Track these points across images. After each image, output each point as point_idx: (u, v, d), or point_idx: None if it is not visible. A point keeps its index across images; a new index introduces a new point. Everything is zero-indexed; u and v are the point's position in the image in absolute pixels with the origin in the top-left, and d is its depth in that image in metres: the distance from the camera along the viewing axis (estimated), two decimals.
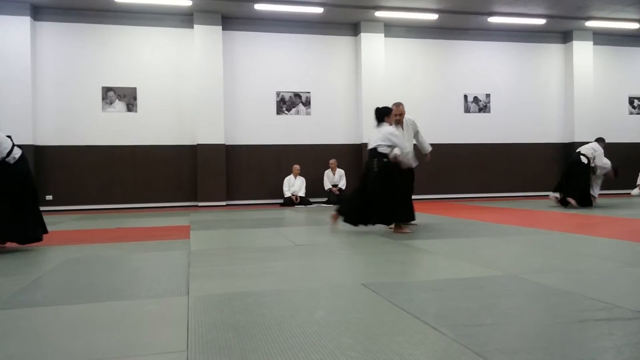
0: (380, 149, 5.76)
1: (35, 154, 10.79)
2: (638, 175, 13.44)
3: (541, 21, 12.73)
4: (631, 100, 14.50)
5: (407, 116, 6.53)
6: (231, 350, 2.03)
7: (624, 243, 4.79)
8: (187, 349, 2.05)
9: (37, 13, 11.07)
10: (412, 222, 6.09)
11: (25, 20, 10.73)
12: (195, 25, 11.60)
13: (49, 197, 10.97)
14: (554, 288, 2.98)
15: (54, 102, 11.17)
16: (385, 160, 5.75)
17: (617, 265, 3.71)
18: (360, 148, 12.44)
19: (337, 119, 12.64)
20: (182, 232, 6.29)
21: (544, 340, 2.09)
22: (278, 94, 12.32)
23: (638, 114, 14.55)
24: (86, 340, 2.20)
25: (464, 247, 4.76)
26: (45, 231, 5.24)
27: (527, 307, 2.61)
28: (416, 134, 6.62)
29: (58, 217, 9.28)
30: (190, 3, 10.90)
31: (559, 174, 13.88)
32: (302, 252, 4.57)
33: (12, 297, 3.04)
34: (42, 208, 8.80)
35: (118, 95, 11.51)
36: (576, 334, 2.16)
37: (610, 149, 14.03)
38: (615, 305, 2.56)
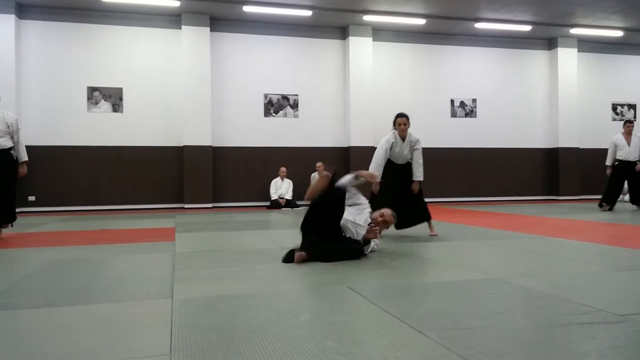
0: None
1: None
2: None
3: (527, 28, 12.85)
4: (614, 107, 14.70)
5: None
6: (215, 354, 2.01)
7: (607, 247, 4.84)
8: (171, 353, 2.03)
9: (22, 11, 10.95)
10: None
11: (10, 19, 10.60)
12: (183, 26, 11.54)
13: (32, 198, 10.84)
14: (538, 292, 3.00)
15: (38, 101, 11.04)
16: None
17: (601, 269, 3.75)
18: (347, 151, 12.47)
19: (325, 122, 12.65)
20: (168, 235, 6.25)
21: (528, 343, 2.10)
22: (266, 96, 12.30)
23: (621, 120, 14.73)
24: (68, 344, 2.18)
25: (450, 251, 4.77)
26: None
27: (512, 311, 2.63)
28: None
29: (42, 218, 9.17)
30: (178, 4, 10.85)
31: (545, 178, 14.09)
32: None
33: None
34: (25, 209, 8.76)
35: (104, 96, 11.41)
36: (560, 337, 2.18)
37: (594, 155, 14.25)
38: (598, 309, 2.58)
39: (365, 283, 3.31)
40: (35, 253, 4.82)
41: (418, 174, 5.88)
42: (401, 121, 5.77)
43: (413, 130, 5.96)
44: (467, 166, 13.47)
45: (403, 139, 5.82)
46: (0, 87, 10.43)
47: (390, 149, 5.82)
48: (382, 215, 4.60)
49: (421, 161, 5.92)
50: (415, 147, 5.88)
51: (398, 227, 5.80)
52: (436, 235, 5.86)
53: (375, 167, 5.72)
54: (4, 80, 10.52)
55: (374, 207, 5.20)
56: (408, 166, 5.97)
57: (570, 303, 2.72)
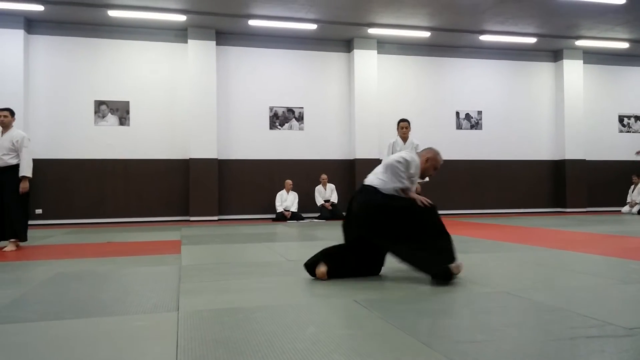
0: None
1: None
2: (628, 193, 13.55)
3: (532, 40, 12.88)
4: (621, 119, 14.66)
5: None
6: None
7: (615, 260, 4.80)
8: None
9: (31, 26, 11.08)
10: None
11: (19, 34, 10.73)
12: (189, 40, 11.64)
13: (39, 211, 10.88)
14: (546, 305, 2.98)
15: (46, 115, 11.14)
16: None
17: (609, 282, 3.71)
18: (352, 163, 12.47)
19: (330, 135, 12.68)
20: (173, 247, 6.25)
21: (536, 357, 2.08)
22: (271, 109, 12.36)
23: (628, 132, 14.70)
24: (75, 357, 2.17)
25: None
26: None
27: (519, 324, 2.61)
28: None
29: (48, 231, 9.20)
30: (184, 18, 10.95)
31: (551, 190, 14.03)
32: (293, 267, 4.55)
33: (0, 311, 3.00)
34: (32, 222, 8.85)
35: (110, 109, 11.49)
36: (568, 351, 2.16)
37: (600, 166, 14.22)
38: (607, 323, 2.55)
39: (372, 296, 3.30)
40: (41, 266, 4.83)
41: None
42: (403, 125, 6.67)
43: (420, 141, 6.66)
44: (472, 178, 13.44)
45: (404, 141, 6.64)
46: (9, 101, 10.52)
47: (392, 147, 6.68)
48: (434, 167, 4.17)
49: None
50: (418, 151, 6.09)
51: None
52: None
53: None
54: (13, 94, 10.62)
55: None
56: None
57: (578, 316, 2.70)
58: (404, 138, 6.60)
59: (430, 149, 4.26)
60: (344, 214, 4.14)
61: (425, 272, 3.72)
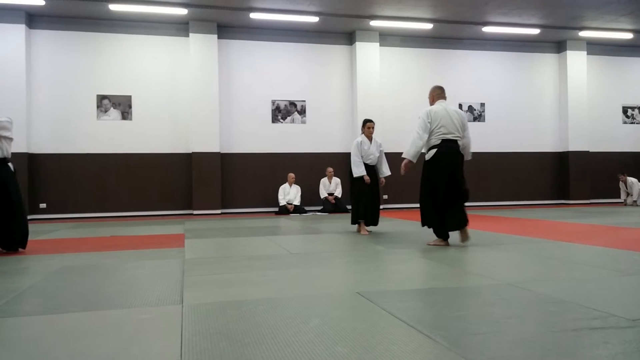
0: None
1: (29, 162, 10.75)
2: (621, 191, 13.55)
3: (535, 31, 12.81)
4: (625, 110, 14.60)
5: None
6: None
7: (617, 251, 4.80)
8: (181, 358, 2.04)
9: (32, 21, 11.07)
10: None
11: (20, 28, 10.72)
12: (190, 34, 11.61)
13: (43, 205, 10.92)
14: (549, 296, 2.98)
15: (48, 110, 11.14)
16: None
17: (612, 273, 3.71)
18: None
19: (332, 128, 12.66)
20: (177, 241, 6.27)
21: (539, 348, 2.08)
22: (273, 102, 12.34)
23: (632, 123, 14.64)
24: (79, 350, 2.19)
25: (459, 256, 4.75)
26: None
27: (522, 316, 2.61)
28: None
29: (52, 225, 9.23)
30: (186, 12, 10.92)
31: (554, 182, 14.00)
32: (296, 260, 4.56)
33: (5, 305, 3.01)
34: (36, 216, 8.80)
35: (113, 104, 11.49)
36: (571, 342, 2.16)
37: (604, 158, 14.17)
38: (610, 314, 2.56)
39: (374, 288, 3.31)
40: (46, 260, 4.85)
41: (386, 170, 7.15)
42: (370, 125, 7.11)
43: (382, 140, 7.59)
44: (475, 170, 13.37)
45: (370, 140, 7.04)
46: (11, 96, 10.58)
47: (361, 145, 6.98)
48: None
49: (385, 160, 7.21)
50: (381, 148, 7.15)
51: (368, 224, 7.00)
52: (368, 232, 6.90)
53: (357, 165, 6.89)
54: (15, 89, 10.63)
55: (360, 200, 6.89)
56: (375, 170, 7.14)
57: (581, 308, 2.70)
58: (369, 137, 7.03)
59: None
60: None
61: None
